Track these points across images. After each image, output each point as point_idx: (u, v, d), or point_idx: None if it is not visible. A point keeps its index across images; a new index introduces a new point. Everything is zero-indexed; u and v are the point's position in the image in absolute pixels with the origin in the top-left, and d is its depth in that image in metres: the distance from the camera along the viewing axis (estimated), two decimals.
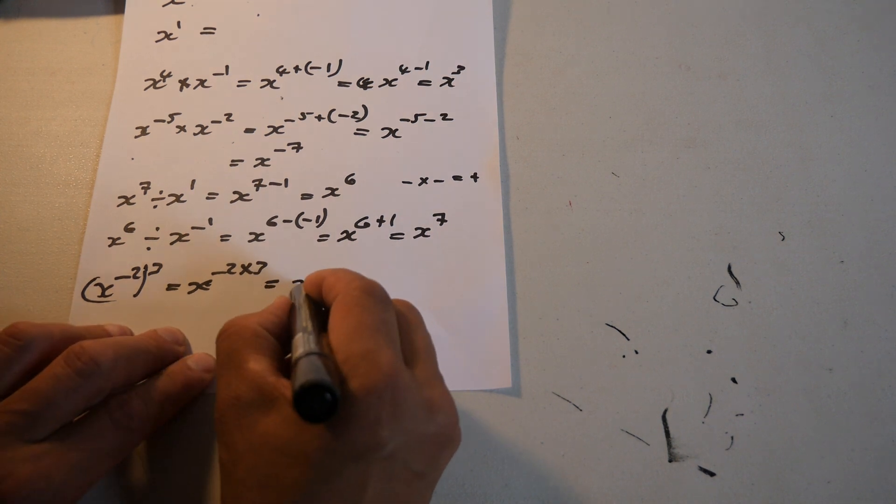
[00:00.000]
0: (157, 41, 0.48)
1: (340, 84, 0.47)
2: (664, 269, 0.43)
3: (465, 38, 0.48)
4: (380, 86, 0.47)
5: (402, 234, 0.43)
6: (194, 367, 0.38)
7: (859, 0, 0.51)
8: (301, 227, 0.44)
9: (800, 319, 0.42)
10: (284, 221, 0.44)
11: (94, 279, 0.42)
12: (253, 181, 0.45)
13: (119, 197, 0.44)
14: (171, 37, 0.48)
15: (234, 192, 0.44)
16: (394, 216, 0.44)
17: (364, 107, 0.47)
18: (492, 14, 0.49)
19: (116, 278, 0.42)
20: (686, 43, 0.49)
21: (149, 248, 0.43)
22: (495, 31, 0.49)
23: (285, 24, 0.49)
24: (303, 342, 0.31)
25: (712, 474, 0.39)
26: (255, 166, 0.45)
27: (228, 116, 0.46)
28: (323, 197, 0.44)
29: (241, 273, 0.42)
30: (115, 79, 0.47)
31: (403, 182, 0.45)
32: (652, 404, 0.40)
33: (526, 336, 0.41)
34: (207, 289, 0.42)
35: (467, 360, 0.41)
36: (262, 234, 0.43)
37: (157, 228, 0.44)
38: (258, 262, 0.43)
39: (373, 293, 0.32)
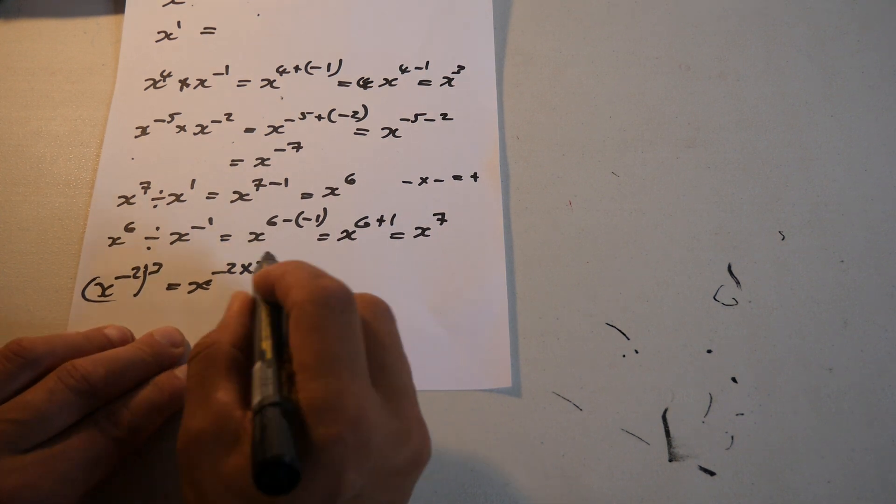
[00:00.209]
0: (157, 41, 0.48)
1: (340, 84, 0.47)
2: (664, 269, 0.43)
3: (465, 38, 0.48)
4: (380, 86, 0.47)
5: (402, 233, 0.43)
6: (182, 377, 0.37)
7: (859, 0, 0.51)
8: (301, 227, 0.44)
9: (800, 319, 0.42)
10: (284, 221, 0.44)
11: (95, 279, 0.42)
12: (253, 181, 0.45)
13: (119, 197, 0.44)
14: (171, 37, 0.48)
15: (234, 192, 0.44)
16: (394, 216, 0.44)
17: (364, 107, 0.47)
18: (492, 14, 0.49)
19: (116, 278, 0.42)
20: (686, 43, 0.49)
21: (149, 248, 0.43)
22: (495, 31, 0.49)
23: (285, 24, 0.49)
24: (261, 381, 0.28)
25: (712, 474, 0.39)
26: (255, 166, 0.45)
27: (228, 116, 0.46)
28: (323, 196, 0.44)
29: (241, 273, 0.42)
30: (115, 79, 0.47)
31: (403, 182, 0.45)
32: (652, 404, 0.40)
33: (526, 336, 0.41)
34: (207, 289, 0.42)
35: (467, 360, 0.41)
36: (262, 233, 0.43)
37: (157, 228, 0.44)
38: (258, 262, 0.43)
39: (330, 304, 0.29)
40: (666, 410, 0.40)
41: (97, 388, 0.34)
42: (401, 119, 0.46)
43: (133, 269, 0.43)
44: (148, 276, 0.42)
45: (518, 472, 0.38)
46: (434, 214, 0.44)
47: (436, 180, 0.45)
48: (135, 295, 0.42)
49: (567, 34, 0.49)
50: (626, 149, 0.46)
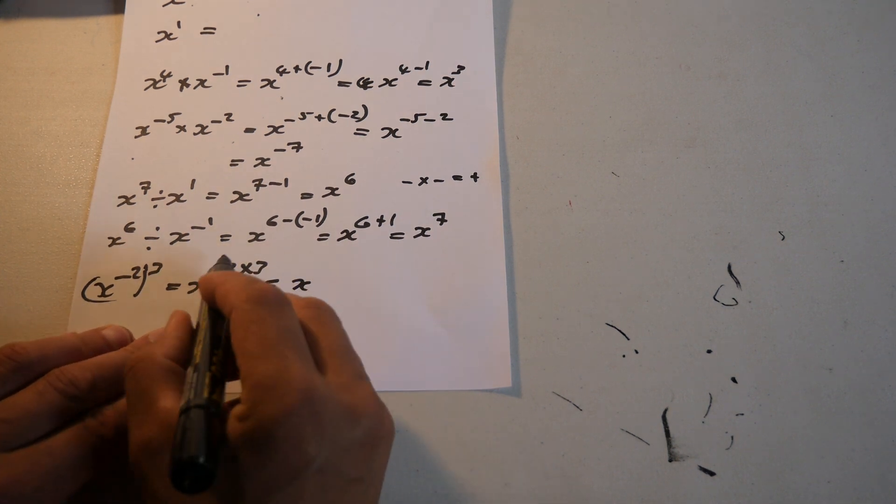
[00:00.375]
0: (157, 41, 0.48)
1: (340, 84, 0.47)
2: (664, 269, 0.43)
3: (465, 38, 0.48)
4: (380, 86, 0.47)
5: (402, 233, 0.43)
6: None
7: (859, 0, 0.51)
8: (301, 227, 0.44)
9: (800, 319, 0.42)
10: (284, 221, 0.44)
11: (95, 279, 0.42)
12: (253, 181, 0.45)
13: (119, 197, 0.44)
14: (171, 37, 0.48)
15: (234, 192, 0.44)
16: (394, 216, 0.44)
17: (364, 107, 0.47)
18: (492, 14, 0.49)
19: (116, 278, 0.42)
20: (686, 43, 0.49)
21: (149, 248, 0.43)
22: (495, 31, 0.49)
23: (285, 24, 0.49)
24: (188, 384, 0.29)
25: (712, 474, 0.39)
26: (255, 166, 0.45)
27: (228, 116, 0.46)
28: (323, 196, 0.44)
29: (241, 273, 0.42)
30: (115, 79, 0.47)
31: (403, 182, 0.45)
32: (652, 404, 0.40)
33: (526, 336, 0.41)
34: None
35: (467, 360, 0.41)
36: (262, 233, 0.43)
37: (157, 228, 0.44)
38: (258, 262, 0.43)
39: (264, 301, 0.30)
40: (666, 410, 0.40)
41: (85, 393, 0.34)
42: (401, 119, 0.46)
43: (133, 269, 0.43)
44: (148, 276, 0.42)
45: (518, 472, 0.38)
46: (434, 214, 0.44)
47: (436, 180, 0.45)
48: (135, 295, 0.42)
49: (567, 34, 0.49)
50: (626, 149, 0.46)
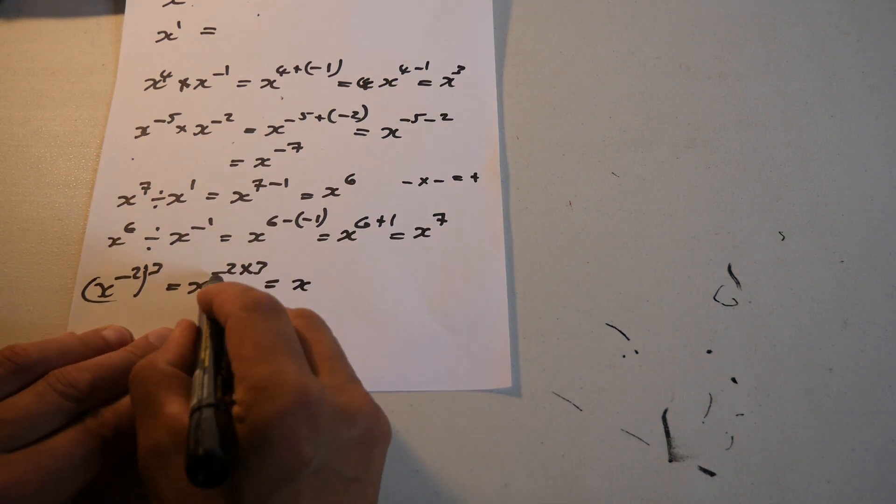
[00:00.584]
0: (157, 41, 0.48)
1: (340, 84, 0.47)
2: (664, 269, 0.43)
3: (465, 38, 0.48)
4: (380, 86, 0.47)
5: (402, 234, 0.43)
6: None
7: (859, 0, 0.51)
8: (301, 227, 0.44)
9: (800, 319, 0.42)
10: (284, 221, 0.44)
11: (95, 279, 0.42)
12: (253, 181, 0.45)
13: (119, 197, 0.44)
14: (171, 37, 0.48)
15: (234, 192, 0.44)
16: (394, 216, 0.44)
17: (364, 107, 0.47)
18: (492, 14, 0.49)
19: (116, 278, 0.42)
20: (686, 43, 0.49)
21: (149, 248, 0.43)
22: (495, 31, 0.49)
23: (285, 24, 0.49)
24: (198, 385, 0.30)
25: (712, 474, 0.39)
26: (255, 166, 0.45)
27: (228, 116, 0.46)
28: (323, 197, 0.44)
29: (241, 273, 0.42)
30: (115, 79, 0.47)
31: (403, 182, 0.45)
32: (652, 404, 0.40)
33: (526, 336, 0.41)
34: None
35: (467, 360, 0.41)
36: (262, 234, 0.43)
37: (157, 228, 0.44)
38: (258, 262, 0.43)
39: (259, 308, 0.32)
40: (666, 411, 0.40)
41: (84, 394, 0.34)
42: (401, 119, 0.46)
43: (133, 269, 0.43)
44: (148, 277, 0.42)
45: (518, 472, 0.38)
46: (434, 215, 0.44)
47: (436, 181, 0.45)
48: (135, 295, 0.42)
49: (567, 34, 0.49)
50: (626, 149, 0.46)
